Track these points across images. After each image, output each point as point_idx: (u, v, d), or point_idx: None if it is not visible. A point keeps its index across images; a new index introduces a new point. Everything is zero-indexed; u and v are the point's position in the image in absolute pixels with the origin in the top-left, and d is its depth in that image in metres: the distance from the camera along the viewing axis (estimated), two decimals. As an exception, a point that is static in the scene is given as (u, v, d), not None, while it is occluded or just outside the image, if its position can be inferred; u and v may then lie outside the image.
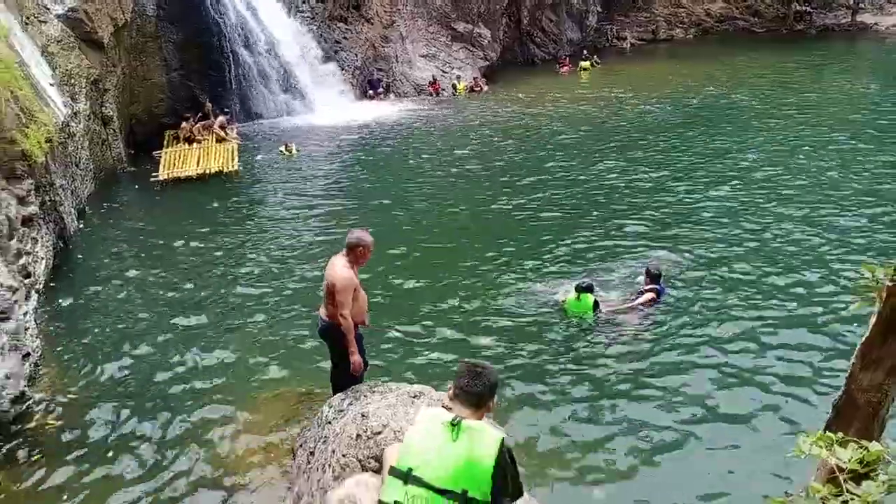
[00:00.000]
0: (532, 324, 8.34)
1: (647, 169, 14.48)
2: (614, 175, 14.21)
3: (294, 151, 17.38)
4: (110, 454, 6.15)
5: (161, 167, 16.19)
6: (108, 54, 16.49)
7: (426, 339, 8.03)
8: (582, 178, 14.26)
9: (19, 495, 5.66)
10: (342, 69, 24.26)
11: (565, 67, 30.53)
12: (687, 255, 9.98)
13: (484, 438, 3.08)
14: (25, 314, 7.46)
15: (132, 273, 10.43)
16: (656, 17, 39.13)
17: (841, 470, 2.55)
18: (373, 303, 6.31)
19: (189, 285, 9.87)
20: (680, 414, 6.45)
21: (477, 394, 3.19)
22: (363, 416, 4.81)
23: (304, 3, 23.44)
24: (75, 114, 13.75)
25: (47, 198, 10.55)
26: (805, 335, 7.72)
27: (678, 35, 38.81)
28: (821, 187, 12.59)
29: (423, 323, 8.40)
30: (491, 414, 3.44)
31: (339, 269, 5.55)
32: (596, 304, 8.35)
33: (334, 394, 5.86)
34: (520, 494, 3.25)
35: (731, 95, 21.89)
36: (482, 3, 28.70)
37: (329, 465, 4.52)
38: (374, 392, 5.47)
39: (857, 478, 2.60)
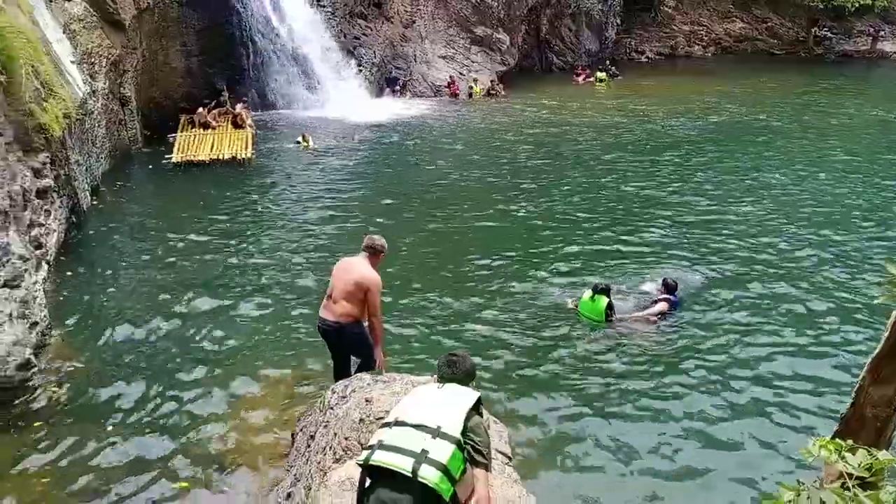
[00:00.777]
0: (541, 325, 8.33)
1: (665, 181, 14.44)
2: (632, 185, 14.18)
3: (310, 143, 17.42)
4: (110, 426, 6.19)
5: (175, 150, 16.27)
6: (130, 36, 16.57)
7: (435, 338, 8.01)
8: (598, 185, 14.24)
9: (19, 460, 5.68)
10: (360, 65, 24.33)
11: (582, 77, 30.55)
12: (704, 269, 9.92)
13: (465, 392, 3.61)
14: (35, 284, 7.49)
15: (141, 250, 10.52)
16: (676, 34, 39.14)
17: (849, 476, 2.56)
18: (383, 302, 6.35)
19: (195, 265, 9.93)
20: (682, 429, 6.38)
21: (458, 380, 3.69)
22: (367, 401, 4.83)
23: (326, -4, 23.50)
24: (94, 92, 13.82)
25: (62, 172, 10.60)
26: (818, 357, 7.65)
27: (697, 52, 38.79)
28: (840, 210, 12.51)
29: (433, 322, 8.40)
30: None
31: (371, 271, 5.90)
32: (609, 307, 8.31)
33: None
34: (485, 452, 3.50)
35: (750, 114, 21.81)
36: (502, 9, 28.73)
37: (330, 448, 4.53)
38: (377, 382, 5.48)
39: (863, 486, 2.60)
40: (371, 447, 3.39)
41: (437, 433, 3.32)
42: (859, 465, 2.56)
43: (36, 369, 6.71)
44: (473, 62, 27.85)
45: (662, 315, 8.49)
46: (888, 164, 15.82)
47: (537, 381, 7.13)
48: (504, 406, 6.62)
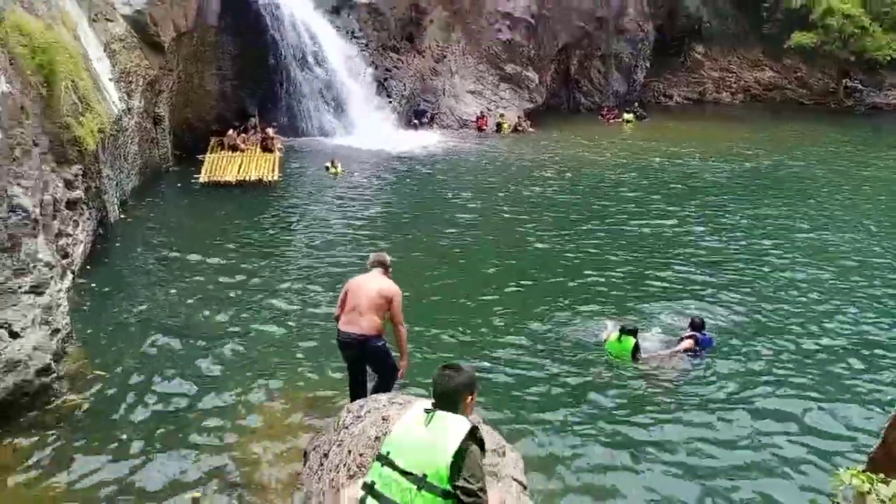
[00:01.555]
0: (564, 360, 8.21)
1: (692, 223, 14.32)
2: (658, 224, 14.08)
3: (339, 169, 17.56)
4: (124, 435, 6.17)
5: (203, 170, 16.52)
6: (167, 58, 17.02)
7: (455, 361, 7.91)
8: (623, 223, 14.16)
9: (36, 465, 5.67)
10: (390, 97, 24.68)
11: (609, 117, 30.71)
12: (731, 311, 9.75)
13: (452, 427, 3.15)
14: (59, 291, 7.56)
15: (164, 265, 10.63)
16: (704, 79, 39.29)
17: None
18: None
19: (217, 282, 10.00)
20: (706, 471, 6.18)
21: (450, 393, 3.28)
22: (384, 419, 4.76)
23: (360, 30, 24.00)
24: (129, 110, 14.14)
25: (93, 185, 10.80)
26: (846, 400, 7.44)
27: (725, 98, 38.86)
28: (871, 260, 12.24)
29: (455, 347, 8.34)
30: (470, 415, 3.44)
31: (390, 283, 6.08)
32: (636, 348, 8.25)
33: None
34: (479, 493, 3.14)
35: (780, 161, 21.61)
36: (533, 49, 29.11)
37: (344, 465, 4.46)
38: (393, 403, 5.41)
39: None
40: (365, 488, 3.26)
41: (422, 484, 3.08)
42: (892, 497, 2.47)
43: (55, 375, 6.72)
44: (501, 98, 28.13)
45: (689, 352, 8.36)
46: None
47: (557, 414, 7.00)
48: (523, 436, 6.49)
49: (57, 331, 7.14)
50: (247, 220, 13.24)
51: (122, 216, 12.47)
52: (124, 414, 6.52)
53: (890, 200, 17.05)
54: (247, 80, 20.69)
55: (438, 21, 27.16)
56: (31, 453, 5.81)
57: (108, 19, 14.81)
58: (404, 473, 3.12)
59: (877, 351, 8.68)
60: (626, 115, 30.62)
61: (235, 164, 17.20)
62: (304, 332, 8.49)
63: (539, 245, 12.54)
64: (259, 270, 10.57)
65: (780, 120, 30.88)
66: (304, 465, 5.57)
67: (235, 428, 6.38)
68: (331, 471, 4.71)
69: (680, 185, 17.86)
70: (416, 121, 25.55)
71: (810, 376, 7.98)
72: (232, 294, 9.61)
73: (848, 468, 2.42)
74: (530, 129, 26.66)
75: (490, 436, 5.10)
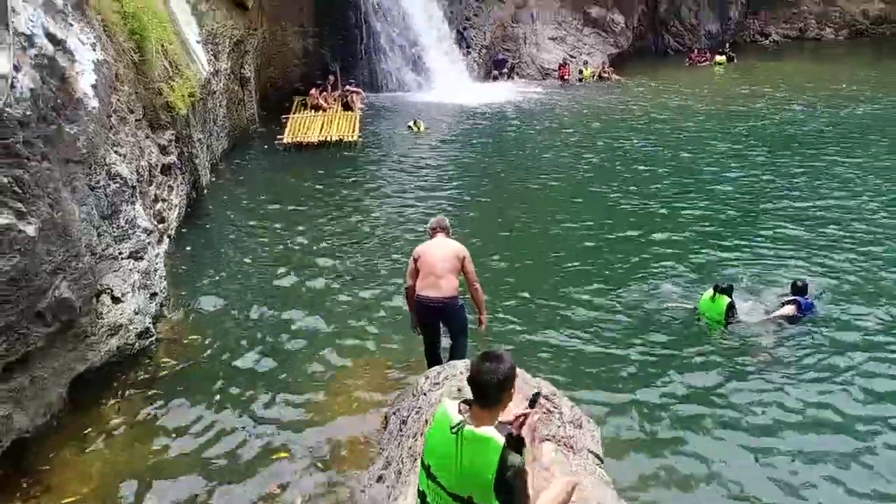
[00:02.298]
0: (652, 322, 8.01)
1: (792, 176, 13.55)
2: (758, 178, 13.42)
3: (422, 128, 17.52)
4: (217, 397, 6.52)
5: (286, 132, 16.86)
6: (251, 17, 17.30)
7: (538, 327, 7.89)
8: (719, 178, 13.54)
9: (132, 426, 6.11)
10: (469, 47, 24.28)
11: (699, 60, 29.20)
12: (839, 275, 9.12)
13: (484, 448, 2.96)
14: (157, 256, 7.98)
15: (254, 228, 10.99)
16: (805, 15, 36.57)
17: None
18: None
19: (303, 244, 10.30)
20: (798, 449, 5.85)
21: (493, 388, 3.01)
22: (459, 389, 4.85)
23: (439, -23, 23.58)
24: (217, 72, 14.51)
25: (185, 149, 11.21)
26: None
27: (828, 35, 36.13)
28: None
29: (531, 313, 8.27)
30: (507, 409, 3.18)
31: (460, 245, 6.24)
32: (731, 307, 7.80)
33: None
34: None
35: (892, 105, 20.06)
36: (619, -12, 27.87)
37: (422, 434, 4.58)
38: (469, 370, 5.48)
39: None
40: (420, 496, 3.23)
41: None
42: None
43: (153, 338, 7.17)
44: (584, 44, 27.22)
45: (790, 319, 7.86)
46: None
47: (643, 381, 6.86)
48: (605, 405, 6.44)
49: (155, 294, 7.58)
50: (332, 181, 13.49)
51: (213, 179, 12.95)
52: (214, 374, 6.87)
53: None
54: (328, 36, 20.81)
55: (520, -35, 26.34)
56: (133, 413, 6.23)
57: (193, -20, 15.11)
58: (452, 496, 3.06)
59: None
60: (718, 58, 29.03)
61: (317, 124, 17.45)
62: (388, 294, 8.66)
63: (624, 204, 12.19)
64: (344, 234, 10.78)
65: (890, 58, 28.46)
66: (385, 429, 5.77)
67: (319, 390, 6.64)
68: (409, 438, 4.86)
69: (776, 135, 16.90)
70: (495, 71, 25.11)
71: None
72: (316, 255, 9.89)
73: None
74: (614, 77, 25.73)
75: (567, 407, 5.11)
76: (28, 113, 5.67)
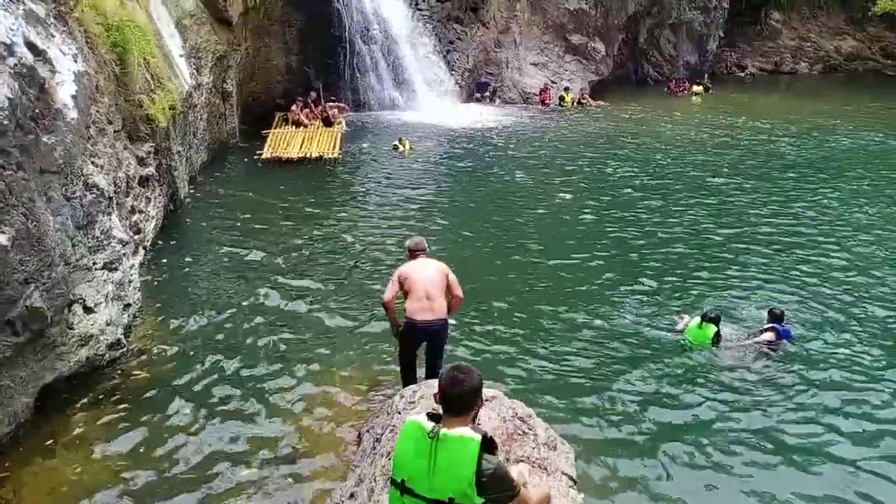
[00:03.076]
0: (636, 347, 8.09)
1: (770, 204, 13.80)
2: (733, 206, 13.67)
3: (408, 147, 17.50)
4: (188, 409, 6.46)
5: (266, 146, 16.82)
6: (235, 33, 17.34)
7: (517, 348, 7.94)
8: (695, 204, 13.76)
9: (100, 437, 6.02)
10: (452, 69, 24.51)
11: (677, 90, 29.78)
12: (813, 302, 9.36)
13: (461, 448, 3.14)
14: (131, 267, 7.92)
15: (231, 241, 10.94)
16: (781, 49, 37.51)
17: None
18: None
19: (280, 259, 10.26)
20: (781, 473, 5.97)
21: (464, 397, 3.24)
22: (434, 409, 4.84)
23: (424, 1, 23.82)
24: (199, 86, 14.50)
25: (164, 161, 11.17)
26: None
27: (802, 69, 37.07)
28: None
29: (517, 331, 8.32)
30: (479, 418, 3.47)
31: (442, 264, 6.42)
32: (717, 336, 8.10)
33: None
34: (513, 492, 3.25)
35: (866, 139, 20.54)
36: (601, 18, 28.32)
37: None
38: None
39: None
40: None
41: None
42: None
43: (124, 349, 7.09)
44: (566, 70, 27.57)
45: (770, 345, 8.13)
46: None
47: (621, 404, 6.91)
48: (580, 426, 6.48)
49: (128, 306, 7.51)
50: (310, 198, 13.46)
51: (191, 191, 12.88)
52: (185, 388, 6.82)
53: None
54: (311, 53, 20.88)
55: (503, -9, 26.71)
56: (99, 424, 6.16)
57: (179, -5, 15.13)
58: (429, 501, 3.15)
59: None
60: (696, 88, 29.63)
61: (298, 140, 17.45)
62: (364, 311, 8.65)
63: (606, 227, 12.32)
64: (321, 251, 10.76)
65: (862, 92, 29.25)
66: (358, 446, 5.74)
67: (294, 405, 6.61)
68: (382, 456, 4.84)
69: (753, 164, 17.22)
70: (478, 94, 25.36)
71: None
72: (293, 270, 9.87)
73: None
74: (593, 104, 26.11)
75: (542, 429, 5.13)
76: (5, 122, 5.64)
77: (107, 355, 6.83)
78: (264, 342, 7.81)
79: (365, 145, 18.03)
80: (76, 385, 6.53)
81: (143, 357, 7.28)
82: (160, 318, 8.19)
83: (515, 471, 4.37)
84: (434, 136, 19.54)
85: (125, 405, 6.44)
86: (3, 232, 5.42)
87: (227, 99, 16.99)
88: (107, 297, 7.04)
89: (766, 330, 8.25)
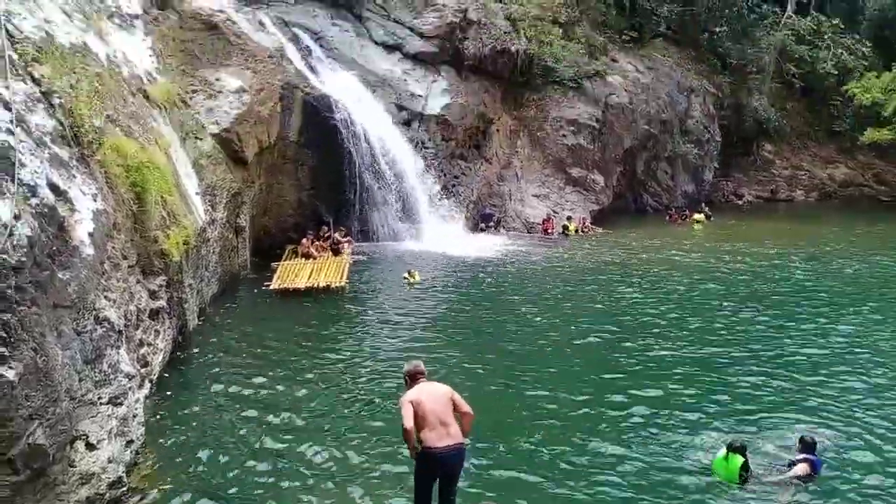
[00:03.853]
0: (659, 478, 7.79)
1: (783, 330, 13.68)
2: (744, 334, 13.48)
3: (417, 278, 17.66)
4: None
5: (275, 277, 17.09)
6: (250, 171, 18.12)
7: (532, 478, 7.70)
8: (706, 330, 13.64)
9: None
10: (457, 202, 25.36)
11: (677, 218, 30.55)
12: (838, 430, 9.06)
13: None
14: (137, 401, 7.84)
15: (238, 375, 10.80)
16: (776, 178, 38.78)
17: None
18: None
19: (288, 394, 10.08)
20: None
21: None
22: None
23: (429, 140, 25.07)
24: (213, 221, 14.97)
25: (175, 294, 11.33)
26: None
27: (798, 197, 38.12)
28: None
29: (529, 462, 8.10)
30: None
31: (445, 385, 6.58)
32: (745, 467, 7.64)
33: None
34: None
35: (871, 264, 20.73)
36: (598, 152, 29.60)
37: None
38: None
39: None
40: None
41: None
42: None
43: (125, 488, 6.87)
44: (567, 201, 28.47)
45: (804, 478, 7.66)
46: None
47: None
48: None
49: (131, 442, 7.36)
50: (319, 330, 13.47)
51: (200, 323, 12.94)
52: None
53: None
54: (322, 189, 21.67)
55: (505, 129, 28.13)
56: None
57: (197, 138, 15.97)
58: None
59: None
60: (697, 216, 30.37)
61: (306, 271, 17.75)
62: (373, 448, 8.42)
63: (617, 354, 12.15)
64: (329, 385, 10.57)
65: (859, 218, 29.86)
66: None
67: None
68: None
69: (762, 290, 17.23)
70: (482, 224, 26.05)
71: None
72: (302, 409, 9.62)
73: None
74: (597, 231, 26.74)
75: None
76: (23, 259, 5.81)
77: (107, 494, 6.62)
78: (270, 482, 7.56)
79: (374, 275, 18.27)
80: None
81: (143, 499, 7.02)
82: (162, 456, 7.98)
83: None
84: (441, 266, 19.84)
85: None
86: (11, 367, 5.44)
87: (239, 233, 17.46)
88: (110, 433, 6.92)
89: (798, 461, 7.80)
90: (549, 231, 26.11)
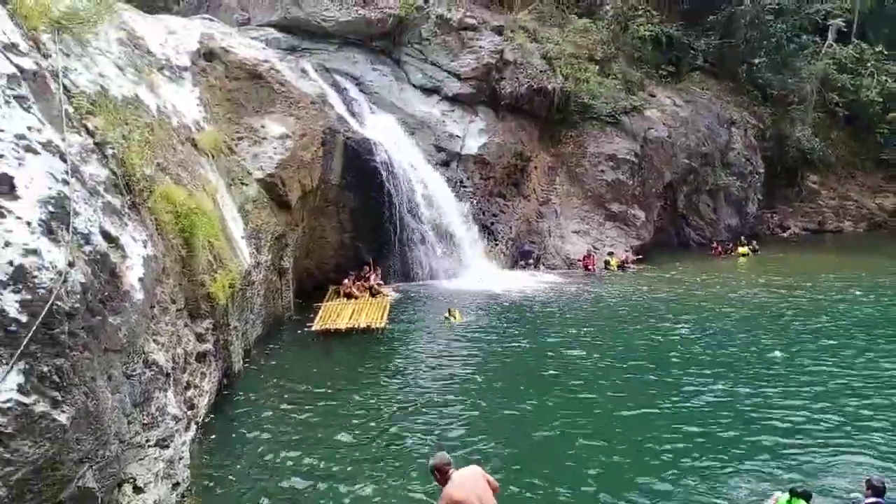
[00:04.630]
0: None
1: (847, 369, 13.19)
2: (799, 375, 13.01)
3: (458, 317, 17.57)
4: None
5: (317, 318, 17.25)
6: (293, 214, 18.49)
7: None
8: (758, 373, 13.13)
9: None
10: (496, 240, 25.38)
11: (720, 251, 30.02)
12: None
13: None
14: (183, 444, 7.95)
15: (283, 418, 10.88)
16: (823, 209, 37.87)
17: None
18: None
19: (330, 437, 10.11)
20: None
21: None
22: None
23: (468, 179, 25.29)
24: (258, 264, 15.27)
25: (221, 337, 11.53)
26: None
27: (847, 227, 37.09)
28: None
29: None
30: None
31: (476, 468, 6.73)
32: None
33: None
34: None
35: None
36: (638, 187, 29.37)
37: None
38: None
39: None
40: None
41: None
42: None
43: (172, 531, 6.93)
44: (607, 237, 28.20)
45: None
46: None
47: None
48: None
49: (177, 484, 7.44)
50: (361, 370, 13.51)
51: (245, 364, 13.10)
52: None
53: None
54: (363, 230, 21.95)
55: (542, 166, 28.19)
56: None
57: (243, 183, 16.41)
58: None
59: None
60: (742, 249, 29.77)
61: (347, 311, 17.89)
62: (414, 492, 8.34)
63: (665, 395, 11.86)
64: (374, 429, 10.53)
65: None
66: None
67: None
68: None
69: (815, 327, 16.65)
70: (522, 262, 25.96)
71: None
72: (346, 452, 9.62)
73: None
74: (639, 266, 26.40)
75: None
76: (76, 305, 6.00)
77: (153, 538, 6.68)
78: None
79: (415, 315, 18.29)
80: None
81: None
82: (208, 499, 8.02)
83: None
84: (481, 305, 19.75)
85: None
86: (63, 411, 5.57)
87: (283, 275, 17.74)
88: (157, 475, 7.01)
89: None
90: (591, 267, 25.85)
